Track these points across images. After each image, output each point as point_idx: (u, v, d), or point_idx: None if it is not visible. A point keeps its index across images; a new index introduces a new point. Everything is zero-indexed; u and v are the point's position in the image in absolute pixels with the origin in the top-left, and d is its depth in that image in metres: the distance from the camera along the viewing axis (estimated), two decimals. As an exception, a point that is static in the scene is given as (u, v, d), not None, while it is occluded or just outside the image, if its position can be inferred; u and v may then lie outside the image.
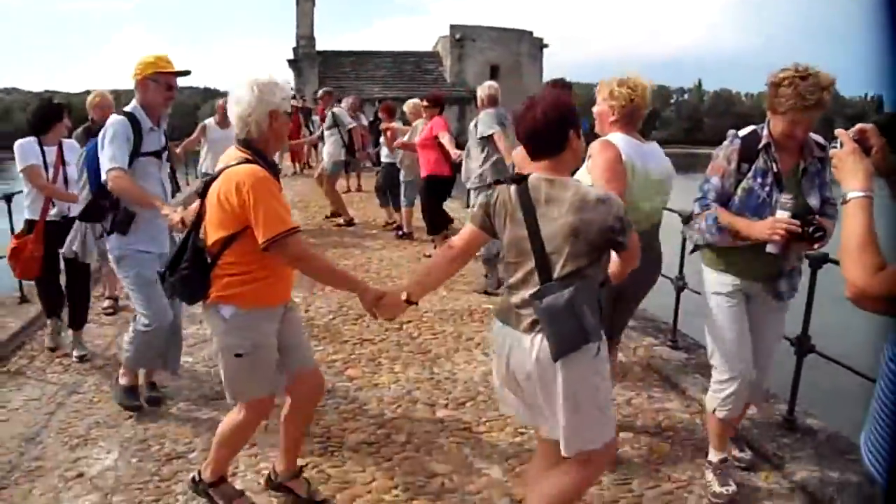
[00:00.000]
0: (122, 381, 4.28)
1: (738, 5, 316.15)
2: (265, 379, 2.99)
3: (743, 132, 3.21)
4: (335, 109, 10.73)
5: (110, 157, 3.87)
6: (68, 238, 4.57)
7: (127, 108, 4.05)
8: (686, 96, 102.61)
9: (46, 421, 4.16)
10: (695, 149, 58.98)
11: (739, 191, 3.13)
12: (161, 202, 3.96)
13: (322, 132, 10.82)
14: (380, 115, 10.89)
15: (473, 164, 6.86)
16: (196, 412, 4.28)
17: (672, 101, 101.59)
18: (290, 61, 32.99)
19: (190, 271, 2.87)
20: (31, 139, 4.95)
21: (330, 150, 10.53)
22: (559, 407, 2.42)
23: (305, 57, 32.64)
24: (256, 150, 2.83)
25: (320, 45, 33.56)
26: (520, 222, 2.47)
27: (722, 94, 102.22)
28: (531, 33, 36.24)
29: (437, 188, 8.20)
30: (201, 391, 4.53)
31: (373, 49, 36.17)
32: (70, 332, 5.27)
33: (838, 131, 2.04)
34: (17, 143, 4.95)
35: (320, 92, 12.43)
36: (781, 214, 2.98)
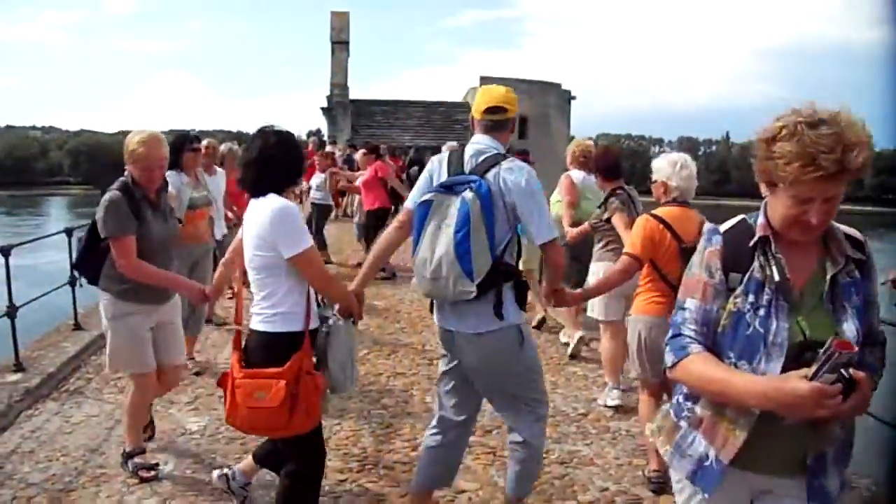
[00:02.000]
0: None
1: (759, 56, 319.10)
2: None
3: (726, 226, 2.05)
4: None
5: (555, 223, 3.05)
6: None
7: (500, 152, 3.08)
8: (714, 148, 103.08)
9: (107, 434, 4.55)
10: (723, 200, 60.52)
11: (724, 317, 1.94)
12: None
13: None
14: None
15: None
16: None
17: (700, 152, 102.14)
18: (323, 109, 33.89)
19: None
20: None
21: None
22: None
23: (339, 105, 33.56)
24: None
25: (352, 95, 34.47)
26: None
27: (749, 145, 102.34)
28: (559, 85, 37.02)
29: (382, 217, 9.96)
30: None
31: (403, 98, 37.12)
32: None
33: None
34: (285, 207, 2.92)
35: (313, 142, 13.53)
36: (808, 376, 1.67)
